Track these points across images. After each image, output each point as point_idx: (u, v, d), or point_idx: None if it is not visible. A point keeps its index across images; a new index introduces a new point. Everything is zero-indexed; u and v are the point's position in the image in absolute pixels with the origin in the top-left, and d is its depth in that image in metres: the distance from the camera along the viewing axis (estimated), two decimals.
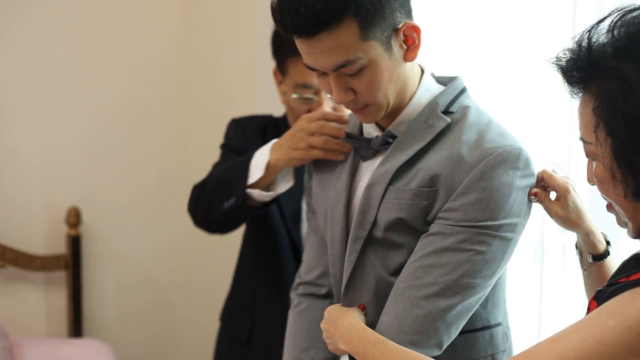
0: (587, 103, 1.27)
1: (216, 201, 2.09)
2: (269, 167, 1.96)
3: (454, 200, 1.55)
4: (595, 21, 1.28)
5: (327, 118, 1.86)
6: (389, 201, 1.61)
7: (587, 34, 1.27)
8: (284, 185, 2.02)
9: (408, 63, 1.61)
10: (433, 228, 1.57)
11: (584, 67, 1.26)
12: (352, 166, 1.73)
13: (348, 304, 1.68)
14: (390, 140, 1.64)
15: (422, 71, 1.68)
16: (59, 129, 3.19)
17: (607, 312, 1.20)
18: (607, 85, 1.23)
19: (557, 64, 1.30)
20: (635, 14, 1.24)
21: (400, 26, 1.55)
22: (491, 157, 1.53)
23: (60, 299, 3.21)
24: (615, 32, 1.23)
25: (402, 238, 1.62)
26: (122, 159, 3.26)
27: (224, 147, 2.38)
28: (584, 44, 1.26)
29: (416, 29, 1.57)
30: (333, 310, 1.65)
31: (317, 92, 2.14)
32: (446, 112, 1.62)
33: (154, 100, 3.29)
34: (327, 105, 2.14)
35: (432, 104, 1.63)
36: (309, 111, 2.13)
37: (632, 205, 1.28)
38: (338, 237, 1.71)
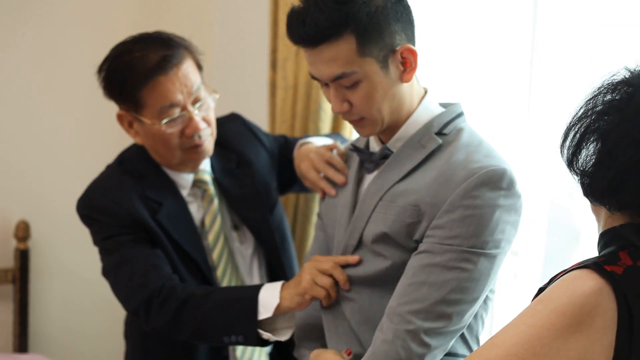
0: None
1: (207, 333, 1.97)
2: (278, 309, 1.88)
3: (440, 218, 1.63)
4: None
5: (337, 262, 1.82)
6: (377, 215, 1.72)
7: None
8: (287, 329, 1.93)
9: (405, 83, 1.71)
10: (422, 247, 1.65)
11: None
12: (358, 177, 1.84)
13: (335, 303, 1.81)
14: (389, 153, 1.75)
15: (426, 92, 1.78)
16: (8, 142, 3.17)
17: (538, 299, 1.27)
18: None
19: None
20: None
21: (398, 48, 1.66)
22: (475, 177, 1.61)
23: (6, 313, 3.17)
24: None
25: (387, 251, 1.71)
26: (73, 172, 3.25)
27: (108, 240, 2.09)
28: None
29: (413, 53, 1.68)
30: (316, 357, 1.77)
31: (184, 108, 2.04)
32: (440, 133, 1.72)
33: (107, 114, 3.27)
34: (198, 117, 2.05)
35: (428, 125, 1.73)
36: (183, 131, 2.05)
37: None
38: (342, 242, 1.81)
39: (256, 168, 2.26)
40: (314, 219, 2.72)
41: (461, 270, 1.60)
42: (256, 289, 1.92)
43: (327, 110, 2.65)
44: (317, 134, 2.68)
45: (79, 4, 3.26)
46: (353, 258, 1.78)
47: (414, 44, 1.71)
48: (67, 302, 3.30)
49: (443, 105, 1.80)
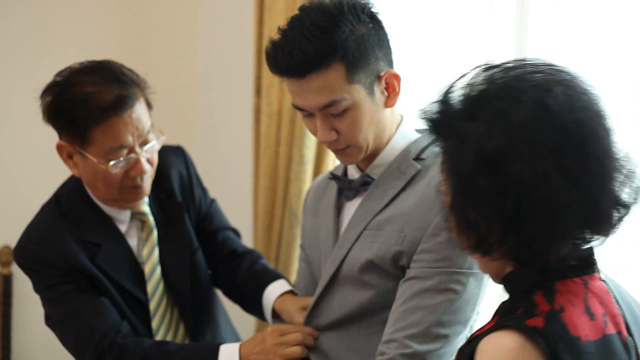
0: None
1: None
2: None
3: (426, 242, 1.65)
4: (458, 76, 1.35)
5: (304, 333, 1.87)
6: (363, 243, 1.73)
7: (447, 89, 1.33)
8: None
9: (388, 109, 1.74)
10: (410, 272, 1.67)
11: (438, 123, 1.32)
12: (337, 206, 1.85)
13: (313, 326, 1.84)
14: (369, 180, 1.76)
15: (402, 118, 1.80)
16: None
17: None
18: (448, 142, 1.30)
19: (423, 117, 1.35)
20: (488, 73, 1.30)
21: (382, 74, 1.70)
22: None
23: None
24: (466, 90, 1.29)
25: (373, 279, 1.72)
26: None
27: (50, 289, 2.04)
28: (441, 100, 1.32)
29: (397, 78, 1.72)
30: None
31: (131, 150, 2.01)
32: (418, 158, 1.75)
33: None
34: (144, 159, 2.02)
35: (406, 151, 1.76)
36: (127, 172, 2.02)
37: (478, 257, 1.36)
38: (328, 271, 1.82)
39: (184, 208, 2.23)
40: (298, 244, 2.74)
41: (453, 292, 1.62)
42: (214, 351, 1.92)
43: (311, 136, 2.66)
44: (301, 160, 2.70)
45: (63, 18, 3.27)
46: (314, 333, 1.83)
47: (393, 69, 1.74)
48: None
49: (419, 130, 1.82)
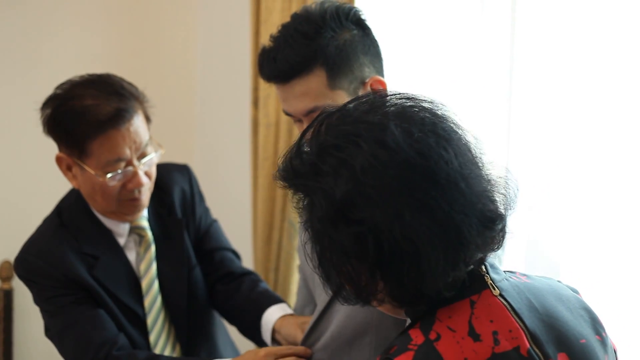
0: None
1: None
2: None
3: None
4: (306, 127, 1.32)
5: (295, 353, 1.85)
6: None
7: (296, 146, 1.28)
8: None
9: None
10: None
11: (289, 184, 1.29)
12: None
13: (309, 345, 1.82)
14: None
15: None
16: None
17: None
18: (301, 201, 1.27)
19: (277, 175, 1.31)
20: (329, 120, 1.27)
21: (367, 80, 1.70)
22: None
23: None
24: (311, 144, 1.26)
25: None
26: None
27: (49, 301, 2.06)
28: (290, 158, 1.28)
29: (383, 84, 1.72)
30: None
31: (129, 163, 2.01)
32: None
33: None
34: (141, 172, 2.04)
35: None
36: (125, 185, 2.03)
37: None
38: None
39: (184, 224, 2.24)
40: (297, 255, 2.74)
41: None
42: None
43: None
44: None
45: (61, 29, 3.28)
46: (307, 352, 1.81)
47: (383, 76, 1.74)
48: (50, 342, 3.28)
49: None
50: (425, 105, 1.25)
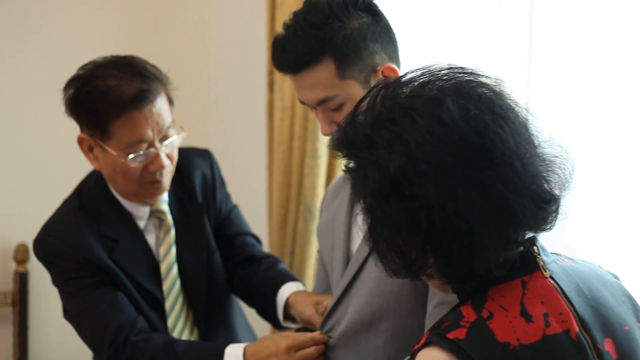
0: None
1: None
2: None
3: None
4: (362, 97, 1.31)
5: (315, 342, 1.83)
6: None
7: (351, 117, 1.29)
8: None
9: None
10: None
11: (343, 154, 1.29)
12: (352, 200, 1.83)
13: (326, 331, 1.81)
14: None
15: None
16: (5, 165, 3.18)
17: None
18: (353, 172, 1.27)
19: (331, 148, 1.32)
20: (385, 92, 1.26)
21: (379, 68, 1.68)
22: None
23: (6, 335, 3.17)
24: (366, 115, 1.26)
25: (388, 285, 1.67)
26: None
27: (67, 282, 2.07)
28: (344, 129, 1.29)
29: (395, 72, 1.69)
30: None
31: (151, 144, 2.01)
32: None
33: None
34: (163, 154, 2.03)
35: None
36: (147, 166, 2.03)
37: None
38: (340, 262, 1.81)
39: (204, 209, 2.23)
40: (313, 239, 2.74)
41: None
42: (220, 353, 1.90)
43: None
44: (315, 155, 2.69)
45: (75, 14, 3.27)
46: (325, 338, 1.81)
47: (396, 63, 1.72)
48: (66, 325, 3.27)
49: None
50: (484, 80, 1.25)
